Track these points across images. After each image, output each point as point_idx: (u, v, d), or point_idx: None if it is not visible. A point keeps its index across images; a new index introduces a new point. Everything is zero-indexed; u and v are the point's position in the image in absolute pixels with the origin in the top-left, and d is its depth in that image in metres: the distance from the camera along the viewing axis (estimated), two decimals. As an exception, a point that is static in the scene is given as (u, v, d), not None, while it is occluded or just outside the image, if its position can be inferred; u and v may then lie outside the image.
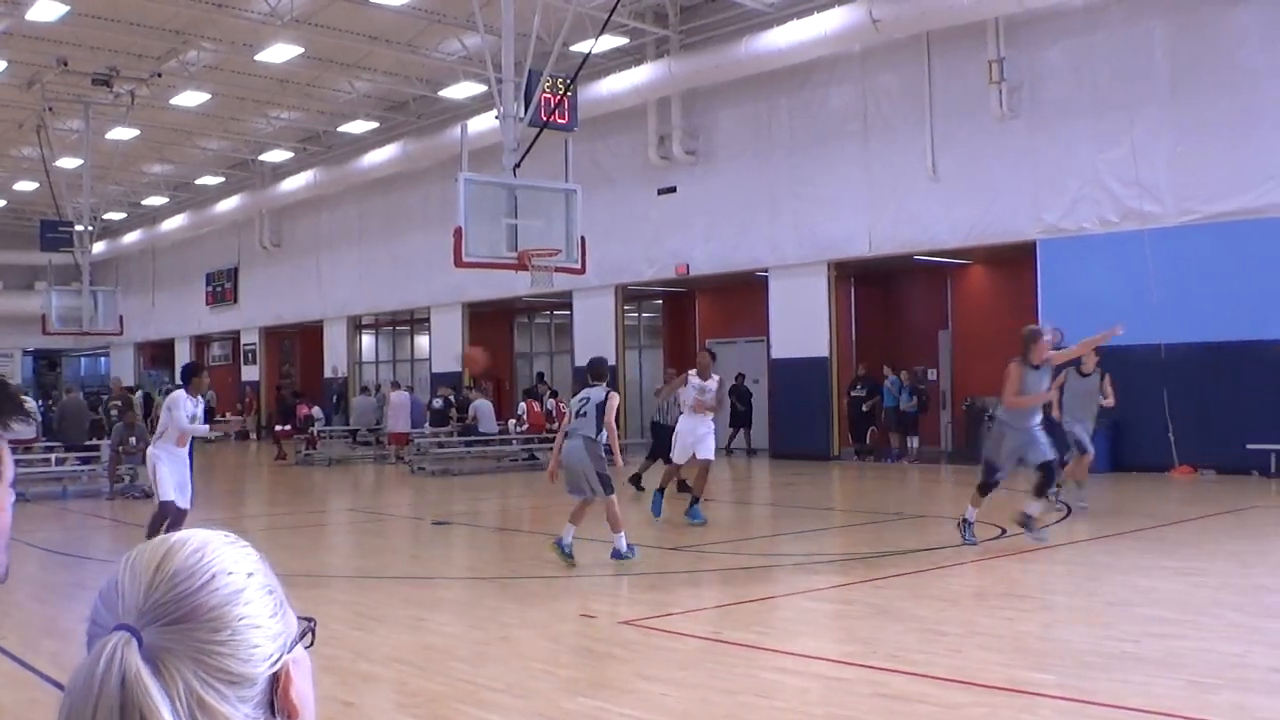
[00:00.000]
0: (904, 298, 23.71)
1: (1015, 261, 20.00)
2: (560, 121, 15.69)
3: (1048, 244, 18.75)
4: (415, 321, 34.13)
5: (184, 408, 9.86)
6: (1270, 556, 9.85)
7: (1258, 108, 16.50)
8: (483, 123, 21.90)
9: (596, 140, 24.25)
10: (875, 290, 23.60)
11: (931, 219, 20.10)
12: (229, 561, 1.02)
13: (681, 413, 13.48)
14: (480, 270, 17.55)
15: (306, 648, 1.09)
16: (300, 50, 23.30)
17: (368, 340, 36.96)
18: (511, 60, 15.36)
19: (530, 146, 15.03)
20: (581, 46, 19.14)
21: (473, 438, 22.39)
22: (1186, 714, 5.05)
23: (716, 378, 13.10)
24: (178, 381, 12.80)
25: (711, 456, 13.08)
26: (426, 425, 24.25)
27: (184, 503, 9.91)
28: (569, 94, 15.87)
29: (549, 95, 15.56)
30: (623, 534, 9.75)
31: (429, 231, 27.98)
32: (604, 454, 9.69)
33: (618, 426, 10.05)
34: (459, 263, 14.31)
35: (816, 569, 9.84)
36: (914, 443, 21.54)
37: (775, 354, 22.66)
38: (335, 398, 33.15)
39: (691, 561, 10.28)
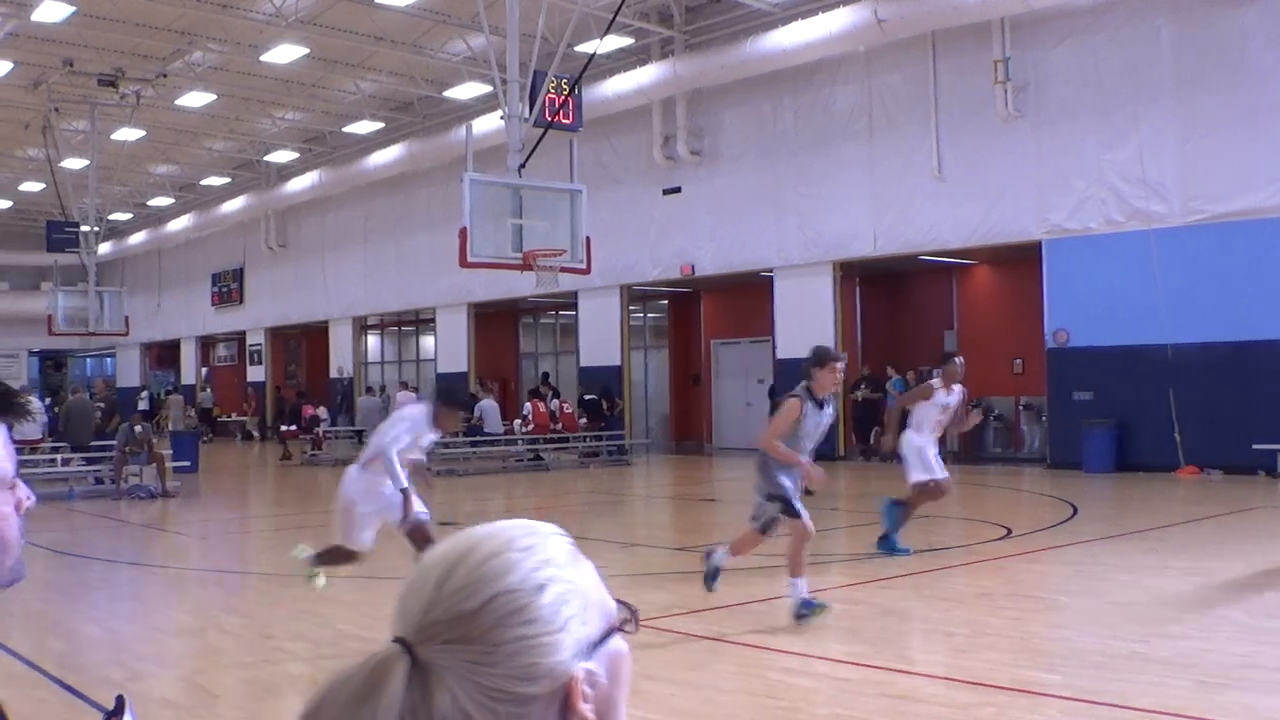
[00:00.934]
0: (909, 298, 23.69)
1: (1021, 261, 19.97)
2: (565, 122, 15.69)
3: (1053, 244, 18.72)
4: (421, 322, 34.15)
5: (424, 433, 7.60)
6: (1277, 557, 9.82)
7: (1265, 107, 16.46)
8: (488, 123, 21.93)
9: (601, 140, 24.26)
10: (880, 290, 23.57)
11: (937, 219, 20.08)
12: (518, 576, 0.98)
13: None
14: (485, 271, 17.55)
15: (630, 632, 1.04)
16: (305, 51, 23.33)
17: (373, 341, 37.01)
18: (516, 61, 15.36)
19: (535, 147, 15.04)
20: (586, 47, 19.13)
21: (478, 438, 22.41)
22: (1193, 714, 5.04)
23: (959, 388, 10.60)
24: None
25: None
26: (432, 425, 24.24)
27: (425, 511, 7.71)
28: (574, 94, 15.86)
29: (554, 96, 15.57)
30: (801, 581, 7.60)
31: (434, 232, 28.00)
32: (768, 473, 7.85)
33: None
34: (464, 263, 14.32)
35: (822, 569, 9.83)
36: (919, 443, 21.46)
37: (780, 354, 22.63)
38: (340, 398, 33.19)
39: (697, 561, 10.26)
